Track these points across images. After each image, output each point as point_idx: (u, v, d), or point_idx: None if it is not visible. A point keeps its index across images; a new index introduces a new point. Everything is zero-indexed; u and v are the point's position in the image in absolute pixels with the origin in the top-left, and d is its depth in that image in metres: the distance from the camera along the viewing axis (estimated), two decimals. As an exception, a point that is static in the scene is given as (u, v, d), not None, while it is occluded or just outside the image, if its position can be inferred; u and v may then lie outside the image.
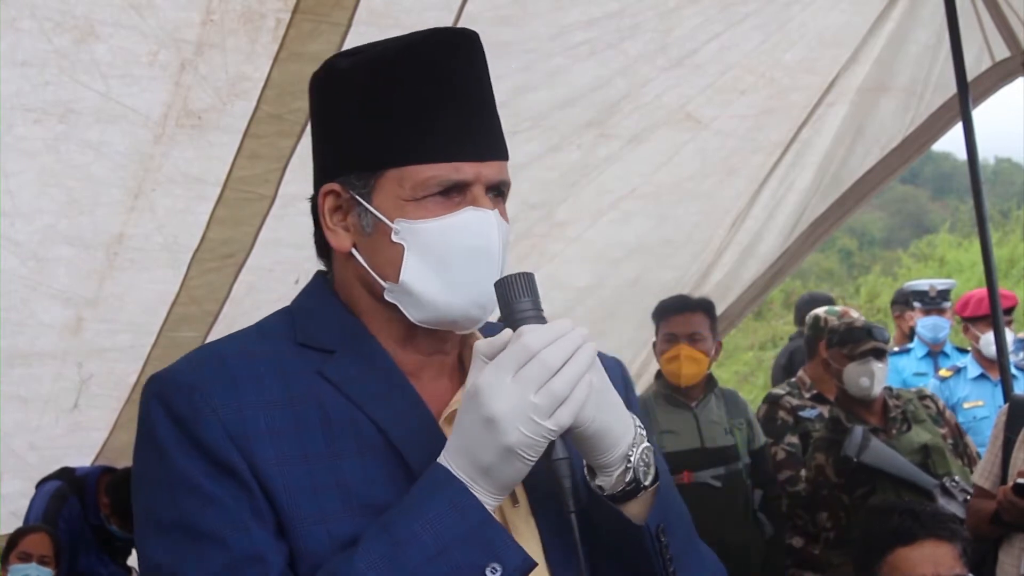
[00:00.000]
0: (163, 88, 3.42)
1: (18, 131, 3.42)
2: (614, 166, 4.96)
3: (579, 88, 4.40)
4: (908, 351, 7.11)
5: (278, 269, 4.00)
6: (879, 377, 4.36)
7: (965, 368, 6.43)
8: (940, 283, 7.60)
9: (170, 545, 1.30)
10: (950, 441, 4.44)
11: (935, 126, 5.27)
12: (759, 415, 4.87)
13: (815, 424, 4.84)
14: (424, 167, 1.38)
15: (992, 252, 4.69)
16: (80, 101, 3.38)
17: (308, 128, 1.96)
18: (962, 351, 6.86)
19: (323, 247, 1.50)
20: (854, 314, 5.18)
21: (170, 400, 1.34)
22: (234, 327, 1.50)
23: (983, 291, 6.01)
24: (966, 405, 6.17)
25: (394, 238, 1.39)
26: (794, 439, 4.81)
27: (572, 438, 1.33)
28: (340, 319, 1.44)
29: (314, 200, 1.47)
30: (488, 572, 1.26)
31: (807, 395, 5.02)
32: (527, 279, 1.36)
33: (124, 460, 4.83)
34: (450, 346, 1.48)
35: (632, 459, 1.38)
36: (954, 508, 3.99)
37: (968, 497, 4.05)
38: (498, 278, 1.38)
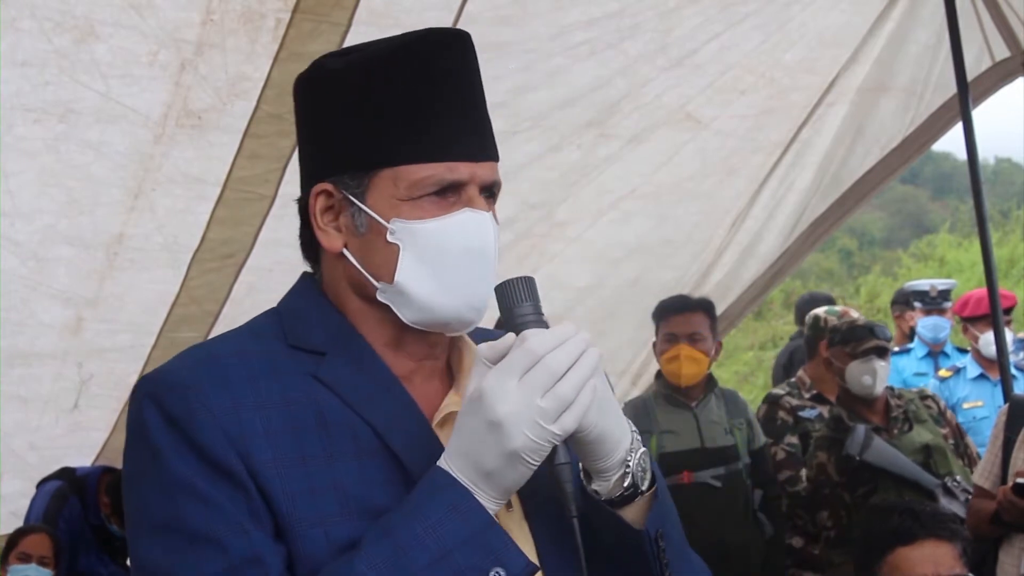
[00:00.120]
0: (163, 88, 3.42)
1: (18, 131, 3.42)
2: (614, 166, 4.96)
3: (579, 88, 4.40)
4: (908, 351, 7.11)
5: (278, 269, 4.00)
6: (881, 375, 4.36)
7: (964, 368, 6.43)
8: (941, 283, 7.60)
9: (165, 547, 1.28)
10: (951, 441, 4.43)
11: (935, 126, 5.27)
12: (759, 415, 4.87)
13: (815, 424, 4.84)
14: (420, 167, 1.37)
15: (992, 252, 4.69)
16: (80, 101, 3.38)
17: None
18: (962, 351, 6.86)
19: (310, 248, 1.49)
20: (854, 314, 5.18)
21: (164, 400, 1.32)
22: (234, 327, 1.49)
23: (982, 291, 6.01)
24: (966, 405, 6.16)
25: (390, 238, 1.38)
26: (794, 439, 4.81)
27: (572, 443, 1.32)
28: (330, 321, 1.43)
29: (303, 200, 1.46)
30: None
31: (807, 395, 5.02)
32: (528, 283, 1.36)
33: (124, 460, 4.82)
34: (439, 350, 1.47)
35: (631, 464, 1.38)
36: (956, 508, 3.99)
37: (970, 497, 4.05)
38: (494, 281, 1.38)
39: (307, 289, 1.48)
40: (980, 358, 6.32)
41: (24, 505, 4.84)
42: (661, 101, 4.74)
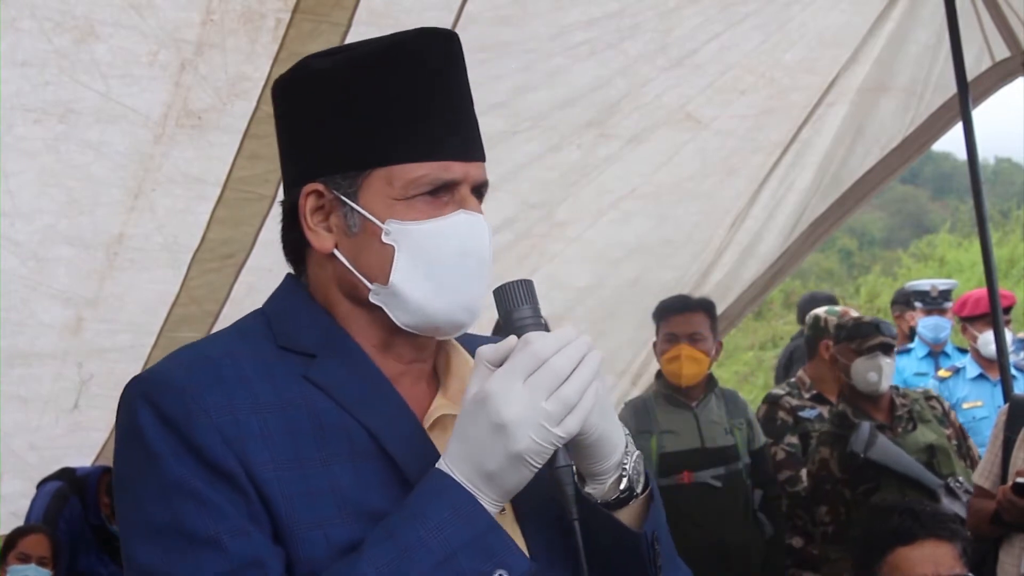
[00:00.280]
0: (163, 88, 3.42)
1: (18, 131, 3.43)
2: (614, 166, 4.96)
3: (579, 88, 4.40)
4: (909, 351, 7.11)
5: (278, 269, 3.98)
6: (887, 372, 4.36)
7: (964, 368, 6.44)
8: (942, 283, 7.60)
9: (164, 550, 1.27)
10: (954, 443, 4.43)
11: (935, 126, 5.27)
12: (759, 415, 4.87)
13: (815, 424, 4.84)
14: (414, 166, 1.37)
15: (992, 252, 4.69)
16: (80, 101, 3.38)
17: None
18: (963, 351, 6.86)
19: (294, 249, 1.47)
20: (854, 314, 5.18)
21: (160, 401, 1.30)
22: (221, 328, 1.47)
23: (981, 291, 6.02)
24: (965, 405, 6.16)
25: (385, 239, 1.37)
26: (794, 439, 4.81)
27: (571, 445, 1.32)
28: (319, 322, 1.42)
29: (290, 201, 1.44)
30: None
31: (807, 395, 5.02)
32: (526, 286, 1.36)
33: (124, 460, 4.82)
34: (427, 353, 1.46)
35: (627, 467, 1.39)
36: (957, 509, 3.99)
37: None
38: (489, 283, 1.38)
39: (293, 290, 1.47)
40: (979, 358, 6.33)
41: (24, 505, 4.84)
42: (661, 101, 4.74)
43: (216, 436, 1.28)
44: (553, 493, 1.38)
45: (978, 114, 4.83)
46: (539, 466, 1.28)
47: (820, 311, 5.23)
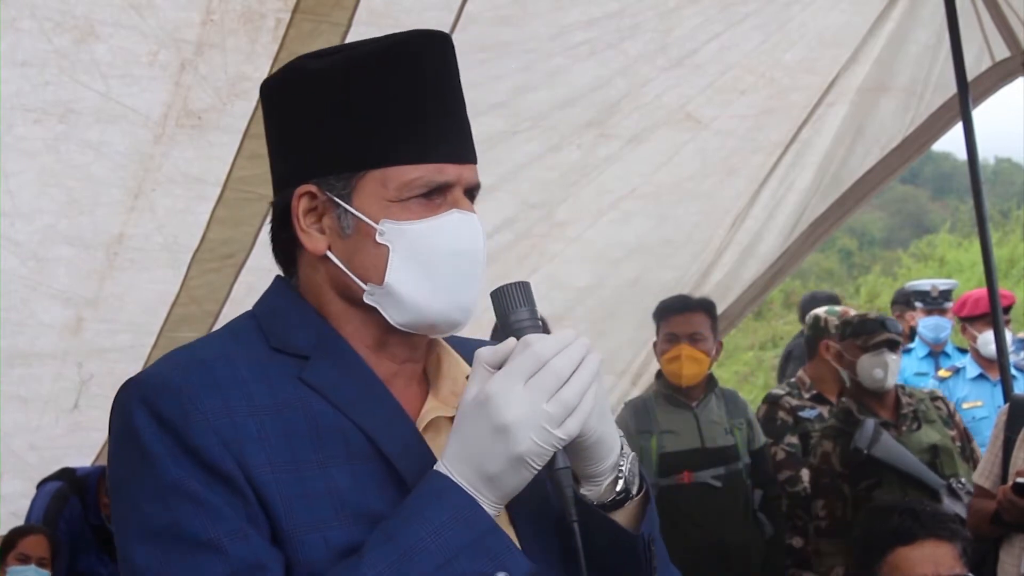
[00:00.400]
0: (163, 88, 3.43)
1: (18, 131, 3.43)
2: (614, 166, 4.96)
3: (579, 88, 4.40)
4: (909, 351, 7.11)
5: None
6: (893, 369, 4.36)
7: (964, 368, 6.44)
8: (942, 283, 7.61)
9: (163, 554, 1.25)
10: (958, 444, 4.44)
11: (935, 126, 5.27)
12: (759, 415, 4.87)
13: (815, 424, 4.85)
14: (409, 168, 1.37)
15: (992, 252, 4.69)
16: (80, 101, 3.38)
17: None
18: (963, 351, 6.86)
19: (284, 250, 1.47)
20: (854, 314, 5.18)
21: (156, 404, 1.29)
22: (212, 331, 1.47)
23: (981, 291, 6.02)
24: (965, 405, 6.16)
25: (379, 239, 1.37)
26: (794, 439, 4.82)
27: (569, 447, 1.32)
28: (311, 324, 1.41)
29: (281, 203, 1.43)
30: None
31: (807, 395, 5.02)
32: (523, 288, 1.36)
33: (124, 460, 4.81)
34: (420, 352, 1.46)
35: (624, 469, 1.39)
36: (959, 509, 3.99)
37: (974, 499, 4.06)
38: (483, 282, 1.38)
39: (284, 292, 1.46)
40: (979, 358, 6.33)
41: (24, 505, 4.84)
42: (661, 101, 4.74)
43: (214, 438, 1.27)
44: (546, 494, 1.38)
45: (978, 114, 4.84)
46: (539, 468, 1.28)
47: (820, 311, 5.23)
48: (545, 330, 1.34)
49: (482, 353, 1.31)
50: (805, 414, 4.92)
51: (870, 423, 4.22)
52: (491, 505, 1.28)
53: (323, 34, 3.34)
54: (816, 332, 5.10)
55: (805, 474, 4.68)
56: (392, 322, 1.39)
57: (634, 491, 1.41)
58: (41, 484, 4.84)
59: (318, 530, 1.28)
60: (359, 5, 3.34)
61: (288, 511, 1.28)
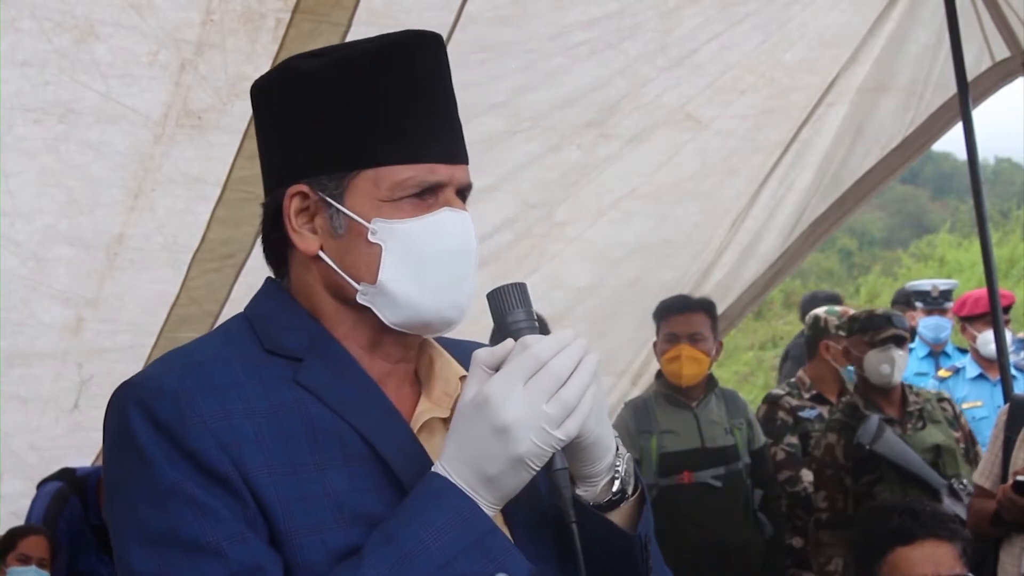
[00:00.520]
0: (163, 88, 3.43)
1: (18, 131, 3.43)
2: (614, 166, 4.96)
3: (579, 88, 4.40)
4: (909, 351, 7.11)
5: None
6: (899, 365, 4.38)
7: (964, 368, 6.44)
8: (943, 283, 7.61)
9: (160, 556, 1.25)
10: (962, 446, 4.45)
11: (935, 126, 5.27)
12: (759, 415, 4.88)
13: (815, 424, 4.85)
14: (401, 168, 1.37)
15: (992, 252, 4.69)
16: (80, 101, 3.38)
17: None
18: (963, 351, 6.86)
19: (275, 251, 1.46)
20: (853, 314, 5.18)
21: (153, 407, 1.28)
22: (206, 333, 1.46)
23: (981, 291, 6.02)
24: (965, 405, 6.16)
25: (371, 238, 1.37)
26: (794, 439, 4.82)
27: (567, 448, 1.32)
28: (304, 325, 1.40)
29: (272, 203, 1.43)
30: None
31: (807, 395, 5.02)
32: (520, 289, 1.36)
33: (124, 460, 4.81)
34: (413, 353, 1.45)
35: (620, 469, 1.39)
36: (959, 510, 4.00)
37: (974, 500, 4.06)
38: (475, 280, 1.38)
39: (275, 294, 1.45)
40: (979, 358, 6.33)
41: (24, 505, 4.84)
42: (661, 101, 4.74)
43: (211, 441, 1.27)
44: (541, 495, 1.38)
45: (978, 114, 4.84)
46: (538, 469, 1.28)
47: (820, 311, 5.23)
48: (543, 330, 1.34)
49: (480, 354, 1.31)
50: (805, 414, 4.92)
51: (874, 419, 4.24)
52: (489, 506, 1.28)
53: (323, 34, 3.34)
54: (816, 332, 5.11)
55: (805, 474, 4.68)
56: (386, 322, 1.39)
57: (630, 491, 1.41)
58: (41, 484, 4.83)
59: (316, 532, 1.28)
60: (359, 5, 3.34)
61: (286, 514, 1.28)
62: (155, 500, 1.26)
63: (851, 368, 4.92)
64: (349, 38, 3.35)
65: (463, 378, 1.42)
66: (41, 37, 3.17)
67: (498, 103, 4.10)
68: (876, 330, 4.40)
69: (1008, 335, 5.74)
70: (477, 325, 1.49)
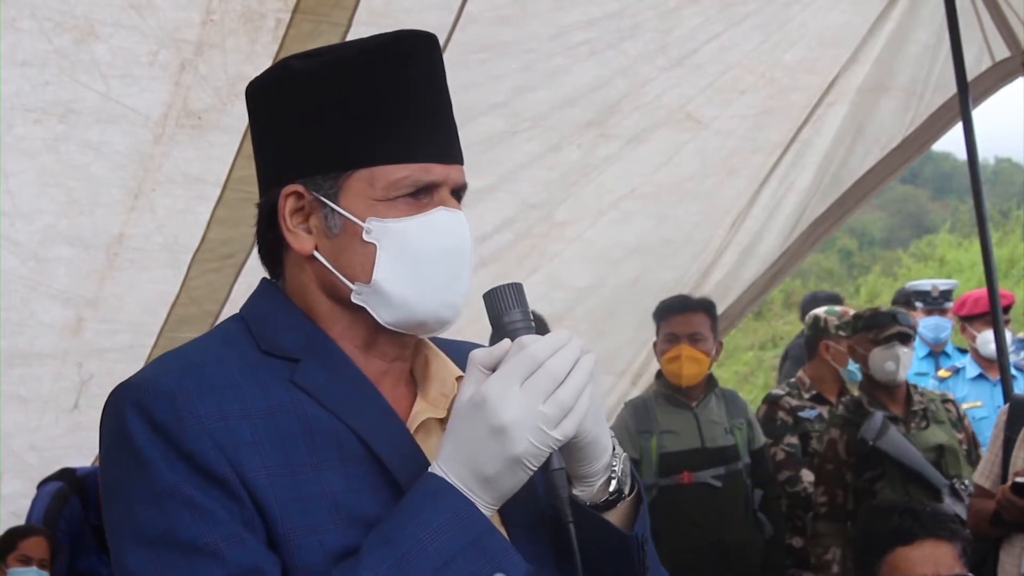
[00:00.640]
0: (163, 88, 3.43)
1: (18, 131, 3.43)
2: (614, 166, 4.96)
3: (579, 88, 4.40)
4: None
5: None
6: (904, 362, 4.40)
7: (964, 368, 6.44)
8: (943, 283, 7.61)
9: (158, 558, 1.24)
10: (965, 447, 4.45)
11: (935, 126, 5.27)
12: (759, 415, 4.88)
13: (814, 425, 4.85)
14: (396, 167, 1.37)
15: (992, 252, 4.69)
16: (80, 101, 3.38)
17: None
18: (963, 351, 6.86)
19: (270, 252, 1.46)
20: (853, 314, 5.18)
21: (150, 408, 1.28)
22: (202, 334, 1.46)
23: (981, 290, 6.02)
24: (964, 405, 6.14)
25: (366, 237, 1.36)
26: (793, 439, 4.82)
27: (564, 448, 1.32)
28: (300, 326, 1.40)
29: (267, 204, 1.43)
30: None
31: (806, 396, 5.02)
32: (516, 290, 1.36)
33: (124, 460, 4.81)
34: (408, 352, 1.45)
35: (616, 469, 1.39)
36: (959, 510, 4.01)
37: (975, 501, 4.06)
38: (470, 278, 1.38)
39: (271, 295, 1.45)
40: (979, 358, 6.33)
41: (24, 505, 4.84)
42: (661, 101, 4.74)
43: (208, 442, 1.27)
44: (537, 495, 1.38)
45: (978, 114, 4.84)
46: (535, 469, 1.28)
47: (819, 311, 5.24)
48: (542, 330, 1.34)
49: (476, 355, 1.31)
50: (805, 414, 4.92)
51: (879, 416, 4.26)
52: (486, 507, 1.28)
53: (323, 34, 3.34)
54: (815, 332, 5.11)
55: (805, 474, 4.69)
56: (381, 321, 1.39)
57: (626, 491, 1.41)
58: (41, 484, 4.83)
59: (314, 534, 1.28)
60: (359, 5, 3.34)
61: (284, 515, 1.27)
62: (152, 501, 1.26)
63: (851, 368, 4.93)
64: (349, 38, 3.35)
65: (459, 378, 1.42)
66: (41, 37, 3.17)
67: (498, 103, 4.10)
68: (881, 327, 4.42)
69: (1008, 335, 5.74)
70: (476, 326, 1.49)
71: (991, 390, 6.15)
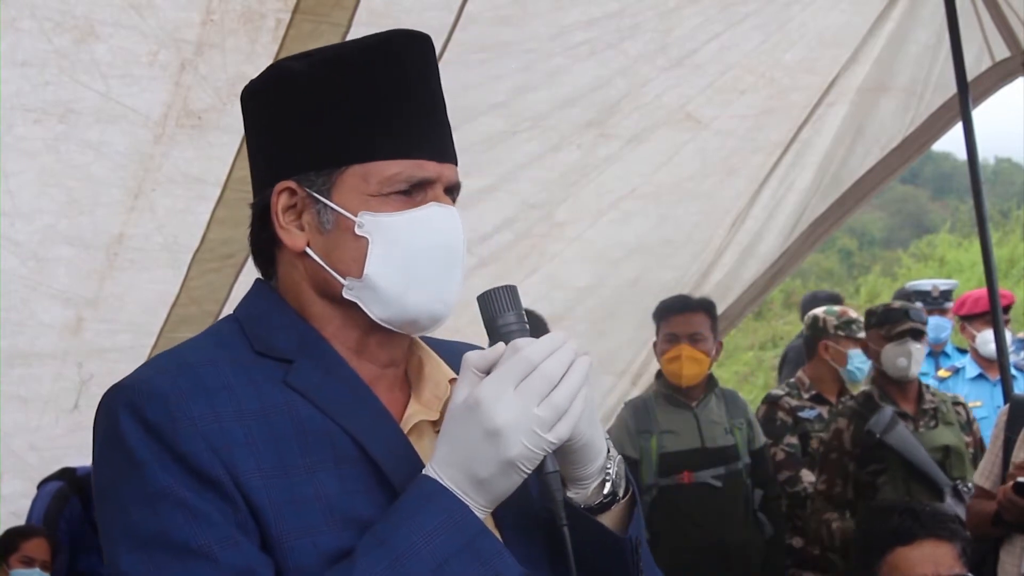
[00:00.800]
0: (163, 88, 3.42)
1: (18, 131, 3.42)
2: (614, 166, 4.96)
3: (579, 88, 4.40)
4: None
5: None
6: (916, 358, 4.43)
7: (964, 368, 6.44)
8: (943, 283, 7.61)
9: (151, 559, 1.24)
10: (971, 451, 4.46)
11: (935, 126, 5.27)
12: (758, 415, 4.88)
13: (814, 425, 4.86)
14: (389, 163, 1.37)
15: (992, 252, 4.69)
16: (80, 101, 3.38)
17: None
18: (963, 351, 6.87)
19: (263, 251, 1.46)
20: (853, 314, 5.19)
21: (143, 410, 1.27)
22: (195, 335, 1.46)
23: (981, 290, 6.02)
24: (965, 405, 6.17)
25: (358, 231, 1.36)
26: (793, 440, 4.82)
27: (558, 451, 1.32)
28: (293, 325, 1.40)
29: (260, 203, 1.43)
30: None
31: (806, 396, 5.02)
32: (510, 292, 1.36)
33: (124, 460, 4.81)
34: (401, 357, 1.45)
35: (611, 471, 1.39)
36: (961, 512, 4.01)
37: (976, 502, 4.07)
38: (462, 275, 1.38)
39: (265, 295, 1.45)
40: (979, 358, 6.33)
41: (24, 505, 4.84)
42: (661, 101, 4.74)
43: (202, 444, 1.26)
44: (530, 498, 1.38)
45: (978, 114, 4.84)
46: (529, 472, 1.28)
47: (819, 311, 5.24)
48: (543, 330, 1.34)
49: (470, 357, 1.30)
50: (805, 414, 4.92)
51: (888, 410, 4.29)
52: (480, 509, 1.28)
53: (323, 34, 3.33)
54: (815, 332, 5.11)
55: (805, 474, 4.69)
56: (373, 317, 1.38)
57: (621, 494, 1.41)
58: (42, 484, 4.84)
59: (308, 535, 1.27)
60: (359, 5, 3.34)
61: (277, 517, 1.27)
62: (146, 503, 1.25)
63: (850, 368, 4.93)
64: (349, 38, 3.35)
65: (453, 380, 1.42)
66: (41, 37, 3.17)
67: (498, 103, 4.10)
68: (893, 323, 4.45)
69: (1008, 335, 5.74)
70: (476, 325, 1.49)
71: (991, 390, 6.15)
